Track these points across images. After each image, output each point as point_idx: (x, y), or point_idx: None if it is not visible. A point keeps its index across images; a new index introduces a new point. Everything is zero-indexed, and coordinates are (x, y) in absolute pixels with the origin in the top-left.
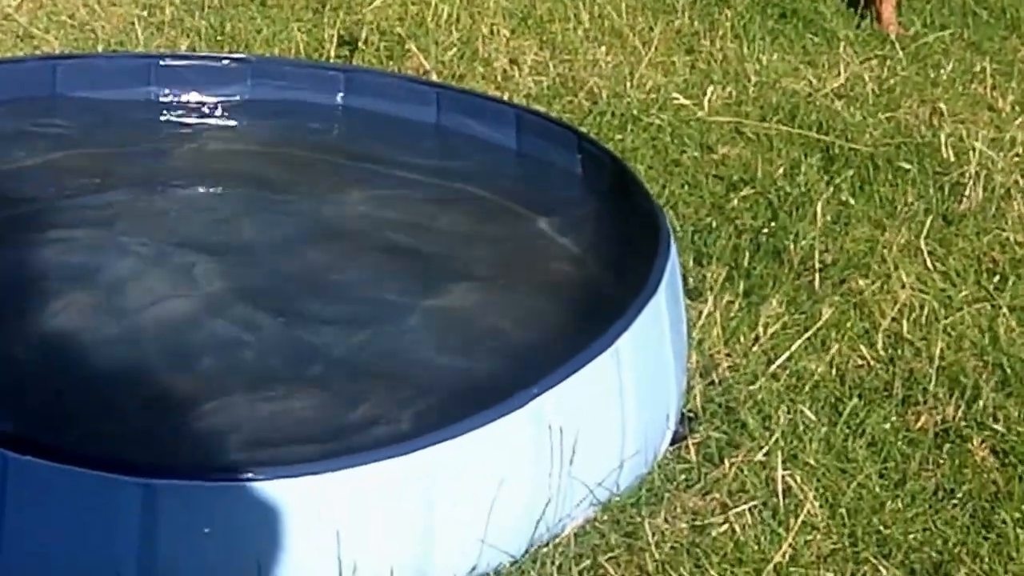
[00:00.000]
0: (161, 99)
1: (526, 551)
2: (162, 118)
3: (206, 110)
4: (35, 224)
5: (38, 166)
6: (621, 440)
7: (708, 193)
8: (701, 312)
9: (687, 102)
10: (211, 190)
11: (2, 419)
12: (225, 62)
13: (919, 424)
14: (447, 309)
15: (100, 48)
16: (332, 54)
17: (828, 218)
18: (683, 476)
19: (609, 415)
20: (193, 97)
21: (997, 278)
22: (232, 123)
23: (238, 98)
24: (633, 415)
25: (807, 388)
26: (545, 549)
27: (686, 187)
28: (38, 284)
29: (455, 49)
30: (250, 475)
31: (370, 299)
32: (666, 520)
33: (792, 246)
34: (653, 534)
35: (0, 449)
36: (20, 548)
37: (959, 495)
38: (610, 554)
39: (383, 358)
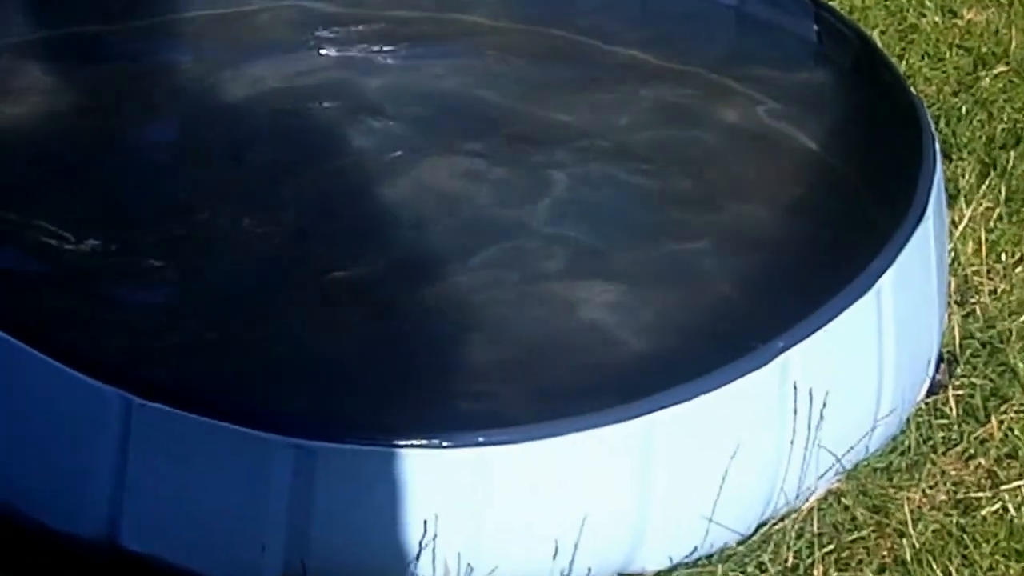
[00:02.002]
0: None
1: (756, 529)
2: None
3: None
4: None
5: None
6: (876, 398)
7: (952, 68)
8: (954, 221)
9: None
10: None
11: (125, 359)
12: None
13: None
14: (660, 230)
15: None
16: None
17: None
18: (941, 435)
19: (864, 370)
20: None
21: None
22: None
23: None
24: (891, 368)
25: None
26: (779, 525)
27: (926, 59)
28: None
29: None
30: (428, 440)
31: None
32: (924, 493)
33: None
34: (911, 512)
35: (124, 392)
36: (144, 511)
37: None
38: (857, 535)
39: (584, 290)
